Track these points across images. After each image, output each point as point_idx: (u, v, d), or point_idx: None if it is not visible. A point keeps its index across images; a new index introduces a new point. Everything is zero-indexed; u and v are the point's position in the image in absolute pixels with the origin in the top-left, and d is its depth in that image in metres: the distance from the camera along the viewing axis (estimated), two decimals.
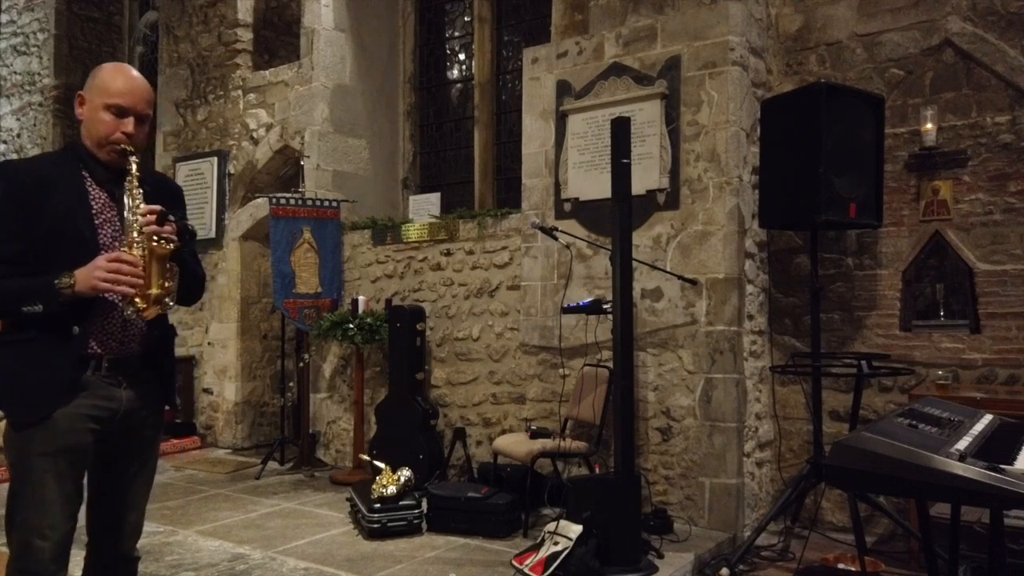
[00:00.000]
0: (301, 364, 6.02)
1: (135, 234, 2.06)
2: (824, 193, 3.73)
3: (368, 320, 5.35)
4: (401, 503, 4.13)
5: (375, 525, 4.05)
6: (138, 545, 2.28)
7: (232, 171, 6.92)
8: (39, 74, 8.53)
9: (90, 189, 2.12)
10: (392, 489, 4.15)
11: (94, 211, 2.11)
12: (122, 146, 2.11)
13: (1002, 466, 1.65)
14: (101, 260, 2.00)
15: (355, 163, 6.38)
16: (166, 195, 2.24)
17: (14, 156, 8.78)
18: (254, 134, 6.75)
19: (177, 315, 7.30)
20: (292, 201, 5.77)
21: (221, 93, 7.04)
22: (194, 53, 7.27)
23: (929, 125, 4.14)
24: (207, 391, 6.93)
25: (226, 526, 4.34)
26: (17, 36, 8.80)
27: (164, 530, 4.24)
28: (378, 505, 4.10)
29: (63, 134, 8.20)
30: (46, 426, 2.00)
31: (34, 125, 8.55)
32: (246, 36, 7.03)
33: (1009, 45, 4.02)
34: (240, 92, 6.89)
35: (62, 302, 1.98)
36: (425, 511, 4.21)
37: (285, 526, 4.33)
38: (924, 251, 4.27)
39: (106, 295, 2.05)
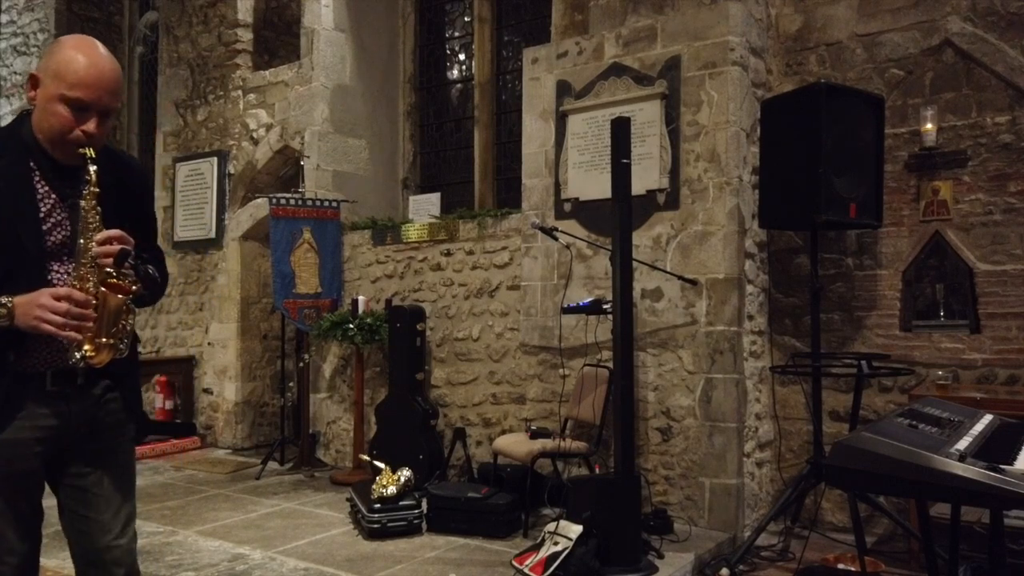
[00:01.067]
0: (301, 364, 6.02)
1: (88, 265, 1.76)
2: (824, 193, 3.73)
3: (368, 320, 5.35)
4: (401, 503, 4.13)
5: (375, 525, 4.05)
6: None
7: (232, 171, 6.92)
8: None
9: (38, 186, 1.79)
10: (392, 489, 4.15)
11: (42, 213, 1.79)
12: (80, 149, 1.77)
13: (1002, 466, 1.65)
14: (46, 296, 1.69)
15: (355, 163, 6.38)
16: (128, 184, 1.97)
17: None
18: (254, 134, 6.76)
19: (177, 315, 7.32)
20: (292, 201, 5.77)
21: (221, 93, 7.04)
22: (194, 53, 7.27)
23: (929, 125, 4.14)
24: (207, 391, 6.93)
25: (226, 526, 4.34)
26: (17, 36, 8.80)
27: (164, 530, 4.24)
28: (378, 505, 4.10)
29: None
30: None
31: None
32: (246, 36, 7.03)
33: (1009, 45, 4.02)
34: (240, 92, 6.89)
35: None
36: (425, 511, 4.21)
37: (285, 526, 4.33)
38: (924, 251, 4.27)
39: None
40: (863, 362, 3.81)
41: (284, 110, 6.51)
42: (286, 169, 6.85)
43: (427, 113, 6.76)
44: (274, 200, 5.72)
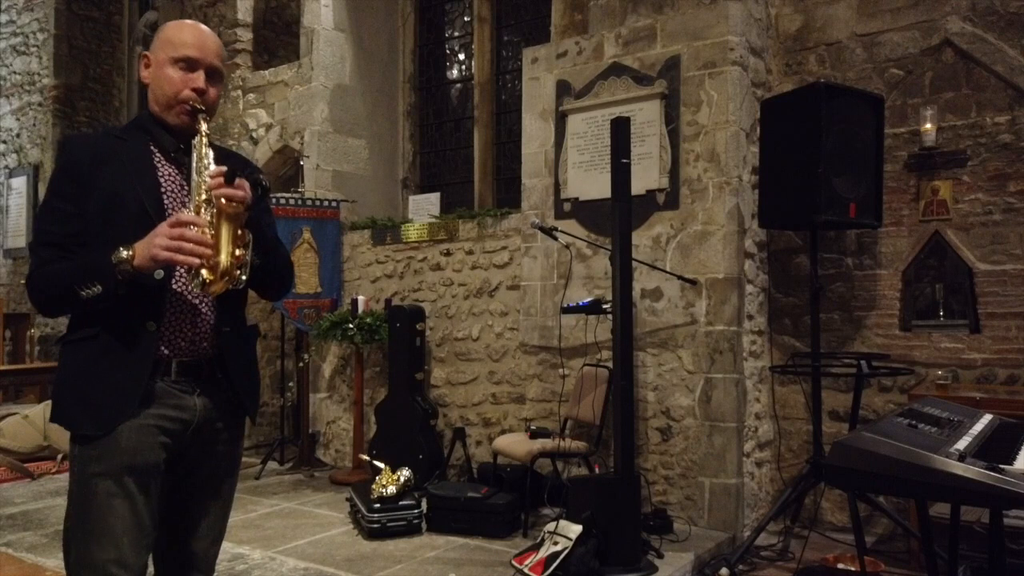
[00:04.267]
0: (301, 364, 6.02)
1: (202, 197, 1.77)
2: (824, 193, 3.73)
3: (368, 320, 5.35)
4: (401, 503, 4.13)
5: (375, 525, 4.05)
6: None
7: None
8: (39, 74, 8.52)
9: (158, 164, 1.85)
10: (392, 489, 4.15)
11: (162, 188, 1.83)
12: (192, 104, 1.83)
13: (1001, 466, 1.65)
14: (163, 227, 1.70)
15: (355, 163, 6.38)
16: (234, 164, 1.93)
17: (13, 156, 8.78)
18: (254, 134, 6.75)
19: None
20: (292, 201, 5.77)
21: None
22: None
23: (929, 125, 4.14)
24: None
25: None
26: (17, 36, 8.80)
27: None
28: (378, 505, 4.10)
29: (62, 134, 8.19)
30: (109, 441, 1.72)
31: (34, 125, 8.55)
32: (246, 36, 7.03)
33: (1009, 45, 4.02)
34: (240, 92, 6.89)
35: (123, 280, 1.69)
36: (425, 511, 4.21)
37: (285, 526, 4.33)
38: (924, 251, 4.28)
39: (179, 276, 1.80)
40: (863, 362, 3.81)
41: (284, 110, 6.51)
42: (286, 169, 6.84)
43: (427, 113, 6.76)
44: (273, 200, 5.72)
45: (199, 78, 1.85)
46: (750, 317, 4.34)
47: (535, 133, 4.92)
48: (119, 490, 1.72)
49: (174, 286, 1.81)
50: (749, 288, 4.33)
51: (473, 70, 6.40)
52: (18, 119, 8.79)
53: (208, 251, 1.70)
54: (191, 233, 1.68)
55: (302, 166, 6.28)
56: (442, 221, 5.55)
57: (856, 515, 3.58)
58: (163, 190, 1.83)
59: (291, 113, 6.42)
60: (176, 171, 1.87)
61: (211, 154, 1.82)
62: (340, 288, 5.97)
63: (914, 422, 1.98)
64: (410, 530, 4.10)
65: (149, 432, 1.75)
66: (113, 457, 1.72)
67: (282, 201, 5.73)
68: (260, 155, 6.71)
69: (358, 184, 6.34)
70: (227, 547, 3.95)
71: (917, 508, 2.48)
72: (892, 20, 4.33)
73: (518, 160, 5.18)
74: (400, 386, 5.28)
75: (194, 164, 1.81)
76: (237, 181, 1.74)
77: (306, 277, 5.78)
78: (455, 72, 6.68)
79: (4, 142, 8.95)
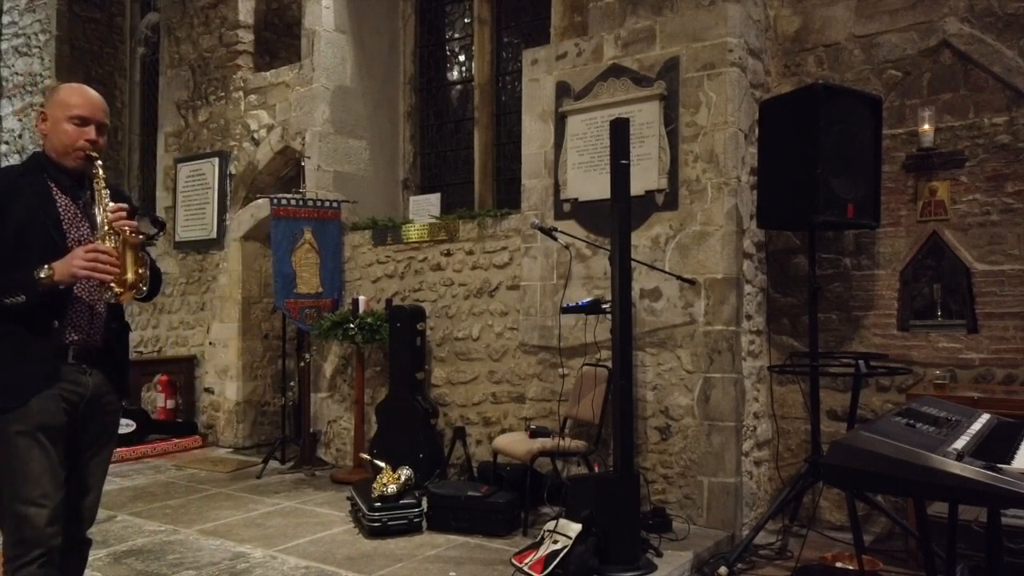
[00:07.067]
0: (302, 364, 6.04)
1: (107, 227, 2.25)
2: (822, 193, 3.74)
3: (368, 320, 5.37)
4: (401, 502, 4.15)
5: (376, 524, 4.07)
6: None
7: (233, 172, 6.94)
8: (41, 75, 8.54)
9: (56, 197, 2.30)
10: (392, 488, 4.17)
11: (61, 216, 2.29)
12: (87, 152, 2.30)
13: (999, 465, 1.66)
14: (79, 251, 2.17)
15: (356, 164, 6.39)
16: (120, 200, 2.41)
17: (16, 157, 8.80)
18: (255, 135, 6.77)
19: (179, 315, 7.34)
20: (293, 202, 5.79)
21: (222, 94, 7.06)
22: (195, 54, 7.29)
23: (927, 126, 4.16)
24: (208, 390, 6.95)
25: (227, 525, 4.36)
26: (19, 37, 8.82)
27: (165, 529, 4.25)
28: (379, 504, 4.12)
29: None
30: (25, 408, 2.19)
31: (35, 126, 8.57)
32: (247, 37, 7.05)
33: (1006, 46, 4.04)
34: (241, 93, 6.91)
35: (42, 292, 2.15)
36: (425, 510, 4.23)
37: (286, 525, 4.35)
38: (922, 251, 4.29)
39: (82, 286, 2.26)
40: (861, 361, 3.82)
41: (285, 111, 6.53)
42: (287, 170, 6.86)
43: (427, 114, 6.78)
44: (275, 200, 5.74)
45: (91, 131, 2.32)
46: (748, 317, 4.35)
47: (535, 134, 4.94)
48: (35, 443, 2.19)
49: (76, 293, 2.28)
50: (747, 288, 4.35)
51: (473, 71, 6.42)
52: (20, 120, 8.82)
53: (117, 270, 2.22)
54: (104, 256, 2.18)
55: (303, 167, 6.30)
56: (442, 222, 5.57)
57: (854, 514, 3.59)
58: (62, 217, 2.29)
59: (292, 114, 6.43)
60: (71, 201, 2.33)
61: (108, 192, 2.29)
62: (341, 288, 5.99)
63: (912, 421, 2.00)
64: (411, 528, 4.12)
65: (54, 400, 2.24)
66: (29, 419, 2.18)
67: (283, 202, 5.75)
68: (261, 156, 6.74)
69: (359, 185, 6.36)
70: (228, 546, 3.97)
71: (915, 507, 2.50)
72: (890, 21, 4.35)
73: (518, 161, 5.20)
74: (401, 385, 5.30)
75: (97, 202, 2.28)
76: (136, 217, 2.27)
77: (307, 277, 5.80)
78: (455, 73, 6.69)
79: (6, 143, 8.96)
